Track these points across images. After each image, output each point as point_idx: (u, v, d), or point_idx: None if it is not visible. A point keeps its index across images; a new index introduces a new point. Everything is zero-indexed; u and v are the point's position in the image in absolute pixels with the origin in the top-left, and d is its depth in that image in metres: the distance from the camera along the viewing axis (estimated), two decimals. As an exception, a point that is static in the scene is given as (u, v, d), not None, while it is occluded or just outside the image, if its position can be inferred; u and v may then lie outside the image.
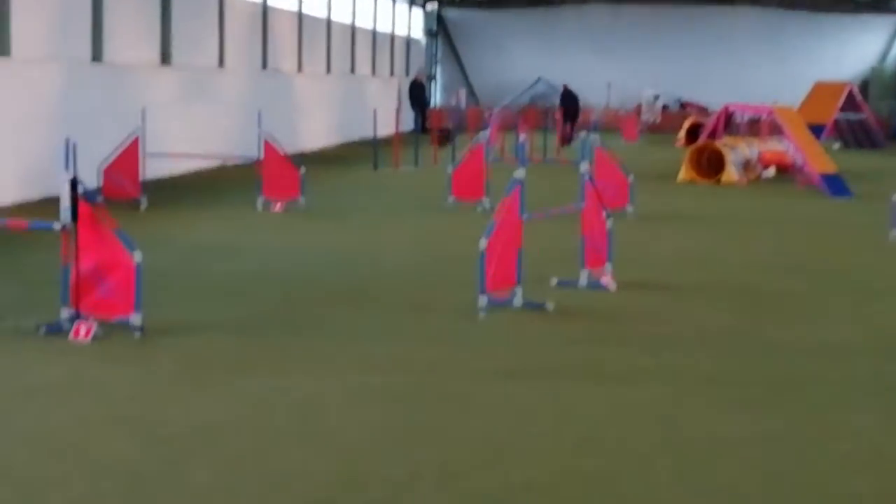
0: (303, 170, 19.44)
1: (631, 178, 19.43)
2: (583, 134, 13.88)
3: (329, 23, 40.34)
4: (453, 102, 51.04)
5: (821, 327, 11.03)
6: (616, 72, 57.33)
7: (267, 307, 11.42)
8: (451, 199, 19.97)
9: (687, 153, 28.11)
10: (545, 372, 9.08)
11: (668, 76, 57.25)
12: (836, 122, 42.59)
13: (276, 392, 8.29)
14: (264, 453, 6.94)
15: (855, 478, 6.73)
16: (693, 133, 39.02)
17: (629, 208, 19.15)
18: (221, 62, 30.27)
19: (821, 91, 43.09)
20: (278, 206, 19.21)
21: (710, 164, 27.06)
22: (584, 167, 12.60)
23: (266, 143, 19.45)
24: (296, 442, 7.18)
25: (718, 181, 26.37)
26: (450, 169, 20.46)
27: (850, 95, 42.54)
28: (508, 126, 37.19)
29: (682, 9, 58.10)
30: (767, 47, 57.71)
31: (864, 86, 54.74)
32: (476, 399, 8.23)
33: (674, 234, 17.81)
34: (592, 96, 55.83)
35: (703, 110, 52.32)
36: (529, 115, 41.33)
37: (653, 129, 51.92)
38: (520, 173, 11.29)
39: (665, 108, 56.59)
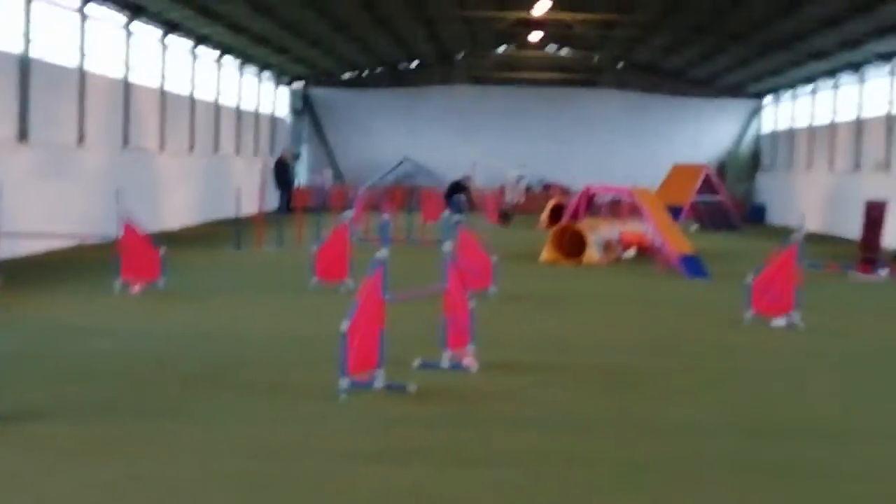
0: (163, 250, 19.15)
1: (494, 258, 19.56)
2: (446, 215, 13.95)
3: (192, 100, 40.11)
4: (318, 181, 51.05)
5: (680, 407, 11.16)
6: (481, 152, 58.04)
7: (121, 391, 11.15)
8: (314, 279, 19.85)
9: (549, 234, 28.48)
10: (405, 455, 9.00)
11: (532, 157, 58.14)
12: (694, 204, 43.63)
13: (130, 479, 8.06)
14: (115, 544, 6.72)
15: (711, 558, 6.78)
16: (556, 214, 39.59)
17: (492, 289, 19.26)
18: (81, 139, 29.81)
19: (679, 173, 44.15)
20: (137, 288, 18.85)
21: (573, 245, 27.45)
22: (447, 247, 12.64)
23: (125, 222, 19.12)
24: (148, 531, 6.98)
25: (580, 262, 26.74)
26: (313, 249, 20.35)
27: (707, 178, 43.67)
28: (374, 206, 37.25)
29: (547, 90, 59.19)
30: (629, 129, 59.05)
31: (721, 168, 56.36)
32: (335, 483, 8.11)
33: (537, 315, 17.93)
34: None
35: (566, 191, 53.18)
36: (395, 194, 41.53)
37: (516, 210, 52.54)
38: (382, 253, 11.29)
39: (529, 188, 57.36)
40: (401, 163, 56.50)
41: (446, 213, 14.16)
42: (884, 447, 9.65)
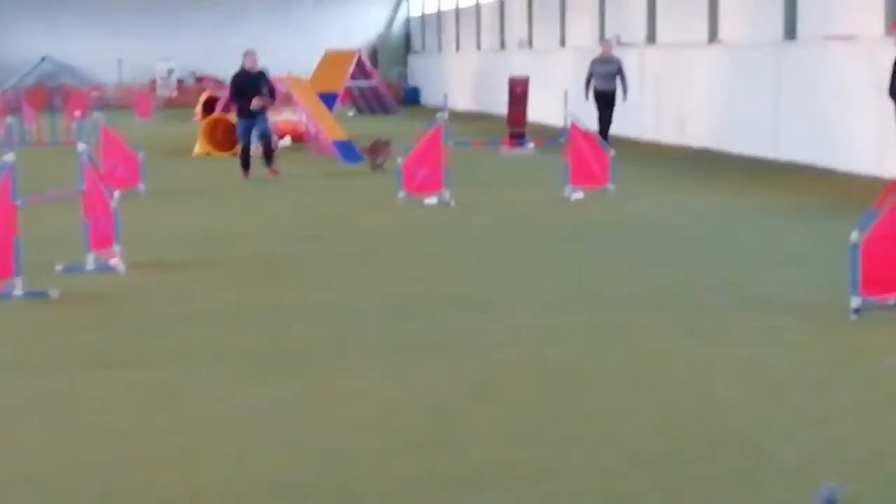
0: None
1: (141, 155, 18.95)
2: (77, 114, 13.32)
3: None
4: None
5: (333, 292, 11.14)
6: (127, 48, 55.99)
7: None
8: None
9: (201, 127, 27.86)
10: (47, 362, 8.59)
11: (182, 50, 56.60)
12: (350, 90, 43.76)
13: None
14: None
15: (362, 434, 6.80)
16: (210, 106, 38.76)
17: (141, 187, 18.66)
18: None
19: (331, 60, 44.01)
20: None
21: (226, 137, 26.94)
22: (82, 147, 12.09)
23: None
24: None
25: (234, 154, 26.29)
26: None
27: (360, 63, 43.82)
28: (13, 109, 35.37)
29: (189, -19, 57.62)
30: (279, 19, 58.31)
31: (374, 53, 56.71)
32: (-31, 401, 7.65)
33: (189, 211, 17.54)
34: (103, 74, 54.42)
35: (219, 83, 52.13)
36: (36, 96, 39.62)
37: (170, 105, 51.25)
38: (9, 157, 10.70)
39: (181, 82, 55.97)
40: (41, 62, 53.88)
41: (77, 112, 13.55)
42: (527, 316, 9.93)
